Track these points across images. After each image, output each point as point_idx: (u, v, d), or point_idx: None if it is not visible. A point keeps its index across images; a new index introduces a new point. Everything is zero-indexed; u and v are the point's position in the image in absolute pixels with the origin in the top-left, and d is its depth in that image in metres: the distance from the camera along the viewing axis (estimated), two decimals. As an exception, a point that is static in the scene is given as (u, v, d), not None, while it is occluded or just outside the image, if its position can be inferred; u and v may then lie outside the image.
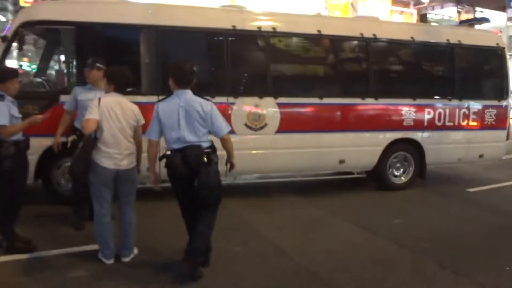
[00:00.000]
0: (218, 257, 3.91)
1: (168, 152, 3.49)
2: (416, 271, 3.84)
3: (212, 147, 3.57)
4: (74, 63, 5.44)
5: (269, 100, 5.73)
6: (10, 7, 28.75)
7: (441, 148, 6.63)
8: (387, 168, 6.43)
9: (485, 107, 6.85)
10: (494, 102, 6.91)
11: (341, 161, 6.15)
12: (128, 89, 5.07)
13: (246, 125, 5.68)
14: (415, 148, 6.51)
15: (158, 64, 5.32)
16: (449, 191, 6.69)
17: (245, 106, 5.65)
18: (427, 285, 3.64)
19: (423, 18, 20.92)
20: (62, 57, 6.20)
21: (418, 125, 6.42)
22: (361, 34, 6.05)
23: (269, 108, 5.74)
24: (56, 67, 6.69)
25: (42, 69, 6.09)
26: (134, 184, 3.83)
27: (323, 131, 6.01)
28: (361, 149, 6.17)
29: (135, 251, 3.96)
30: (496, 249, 4.38)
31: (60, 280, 3.47)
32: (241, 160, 5.61)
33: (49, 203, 5.27)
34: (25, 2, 13.53)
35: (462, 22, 8.63)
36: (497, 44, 7.00)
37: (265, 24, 5.73)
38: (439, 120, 6.54)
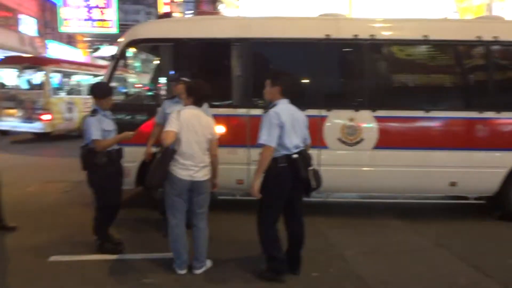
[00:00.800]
0: (292, 279, 3.67)
1: (295, 155, 3.59)
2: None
3: None
4: (177, 77, 5.75)
5: (366, 113, 5.27)
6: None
7: None
8: (512, 194, 5.35)
9: None
10: None
11: (452, 183, 5.32)
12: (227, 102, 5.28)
13: (339, 139, 5.31)
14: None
15: (251, 77, 5.30)
16: None
17: (339, 119, 5.30)
18: None
19: None
20: (164, 72, 6.61)
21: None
22: (479, 37, 5.20)
23: (365, 122, 5.28)
24: (159, 81, 7.18)
25: (144, 83, 6.59)
26: (206, 195, 3.81)
27: (430, 148, 5.28)
28: (477, 170, 5.25)
29: (208, 263, 3.93)
30: None
31: (133, 284, 3.62)
32: (334, 177, 5.35)
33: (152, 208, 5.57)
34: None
35: None
36: None
37: (363, 31, 5.31)
38: None
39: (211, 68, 5.48)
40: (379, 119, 5.27)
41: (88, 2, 25.38)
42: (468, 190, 5.49)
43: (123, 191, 4.48)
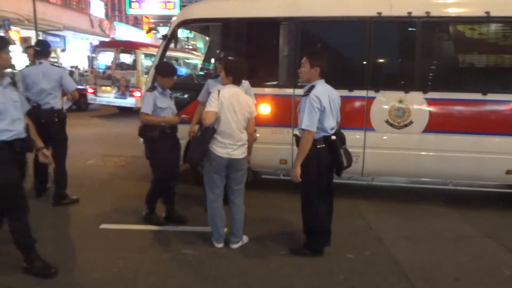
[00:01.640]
0: (325, 259, 3.71)
1: (333, 137, 3.68)
2: None
3: None
4: (222, 56, 5.85)
5: (417, 95, 5.04)
6: None
7: None
8: None
9: None
10: None
11: (509, 172, 4.99)
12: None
13: (387, 122, 5.15)
14: None
15: (298, 57, 5.24)
16: None
17: (387, 101, 5.12)
18: None
19: None
20: (213, 52, 6.73)
21: None
22: (548, 13, 4.73)
23: (416, 104, 5.06)
24: (208, 60, 7.32)
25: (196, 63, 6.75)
26: (244, 173, 3.90)
27: (485, 133, 4.97)
28: (538, 159, 4.88)
29: (245, 239, 4.06)
30: None
31: (172, 254, 3.83)
32: (379, 160, 5.23)
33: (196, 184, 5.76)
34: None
35: None
36: None
37: (417, 8, 5.03)
38: None
39: (258, 48, 5.50)
40: (430, 101, 5.03)
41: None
42: (527, 179, 5.11)
43: (179, 166, 4.68)
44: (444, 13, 5.00)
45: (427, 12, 4.97)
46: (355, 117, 5.15)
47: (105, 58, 14.92)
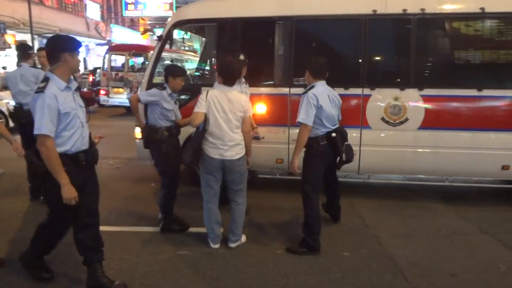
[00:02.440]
0: (321, 257, 3.71)
1: (334, 134, 3.90)
2: None
3: None
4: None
5: (412, 92, 5.05)
6: None
7: None
8: None
9: None
10: None
11: (505, 167, 4.99)
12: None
13: (383, 119, 5.15)
14: None
15: (293, 56, 5.25)
16: None
17: (383, 98, 5.13)
18: None
19: None
20: (209, 52, 6.70)
21: None
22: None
23: (411, 101, 5.06)
24: (203, 61, 7.28)
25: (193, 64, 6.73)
26: (240, 174, 3.85)
27: (480, 129, 4.98)
28: (534, 154, 4.88)
29: (243, 238, 4.05)
30: None
31: (168, 255, 3.81)
32: (375, 158, 5.22)
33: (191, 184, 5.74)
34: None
35: None
36: None
37: (413, 5, 5.03)
38: None
39: (253, 47, 5.47)
40: (425, 98, 5.04)
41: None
42: (523, 174, 5.11)
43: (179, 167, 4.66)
44: (439, 9, 5.00)
45: (422, 9, 4.97)
46: (351, 115, 5.14)
47: (119, 61, 15.74)
